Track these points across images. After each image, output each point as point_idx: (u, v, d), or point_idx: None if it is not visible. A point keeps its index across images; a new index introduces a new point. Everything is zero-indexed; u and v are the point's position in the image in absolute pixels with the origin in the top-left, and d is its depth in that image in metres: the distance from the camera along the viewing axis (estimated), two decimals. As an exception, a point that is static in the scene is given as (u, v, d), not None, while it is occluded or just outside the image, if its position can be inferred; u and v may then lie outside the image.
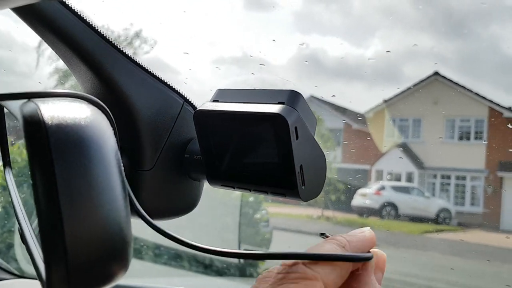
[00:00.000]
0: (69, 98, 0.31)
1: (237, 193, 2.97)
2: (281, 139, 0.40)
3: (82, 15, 0.47)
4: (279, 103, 0.41)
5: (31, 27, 0.47)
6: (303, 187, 0.42)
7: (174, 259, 2.75)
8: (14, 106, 0.34)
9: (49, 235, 0.28)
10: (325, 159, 0.44)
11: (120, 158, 0.31)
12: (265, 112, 0.41)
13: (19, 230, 0.45)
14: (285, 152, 0.41)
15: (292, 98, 0.41)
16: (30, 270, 1.29)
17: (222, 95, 0.46)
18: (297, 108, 0.41)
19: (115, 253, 0.29)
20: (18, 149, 1.76)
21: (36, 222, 0.45)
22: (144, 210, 0.53)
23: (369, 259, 0.35)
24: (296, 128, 0.40)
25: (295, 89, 0.42)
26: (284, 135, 0.40)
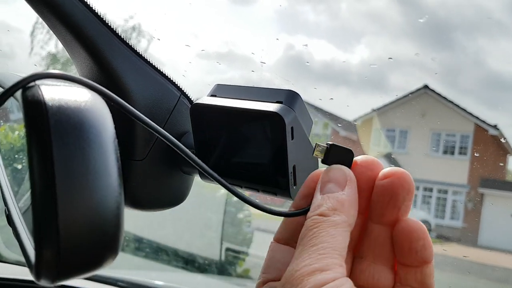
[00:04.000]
0: (70, 82, 0.31)
1: (222, 192, 2.96)
2: (277, 138, 0.41)
3: (85, 0, 0.47)
4: (277, 102, 0.41)
5: (33, 8, 0.47)
6: (294, 187, 0.42)
7: (155, 253, 2.74)
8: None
9: (42, 217, 0.27)
10: (317, 161, 0.44)
11: (118, 145, 0.31)
12: (263, 110, 0.41)
13: (5, 212, 0.45)
14: (280, 151, 0.41)
15: (290, 98, 0.41)
16: (8, 254, 1.27)
17: (220, 90, 0.46)
18: (295, 109, 0.41)
19: (107, 239, 0.29)
20: (4, 131, 1.74)
21: (21, 203, 0.44)
22: (133, 200, 0.53)
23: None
24: (292, 128, 0.40)
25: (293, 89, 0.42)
26: (280, 135, 0.40)
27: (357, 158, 0.37)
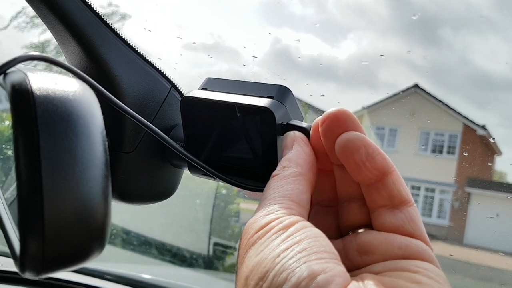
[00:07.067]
0: (60, 70, 0.31)
1: (211, 186, 2.96)
2: (267, 133, 0.40)
3: None
4: (268, 97, 0.41)
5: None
6: None
7: (143, 246, 2.73)
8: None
9: (28, 208, 0.27)
10: None
11: (106, 136, 0.31)
12: (253, 105, 0.40)
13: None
14: (270, 147, 0.41)
15: (281, 93, 0.41)
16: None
17: (211, 83, 0.46)
18: (285, 104, 0.41)
19: (93, 231, 0.29)
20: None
21: (8, 194, 0.44)
22: (121, 193, 0.53)
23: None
24: (282, 123, 0.40)
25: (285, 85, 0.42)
26: (270, 130, 0.40)
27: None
